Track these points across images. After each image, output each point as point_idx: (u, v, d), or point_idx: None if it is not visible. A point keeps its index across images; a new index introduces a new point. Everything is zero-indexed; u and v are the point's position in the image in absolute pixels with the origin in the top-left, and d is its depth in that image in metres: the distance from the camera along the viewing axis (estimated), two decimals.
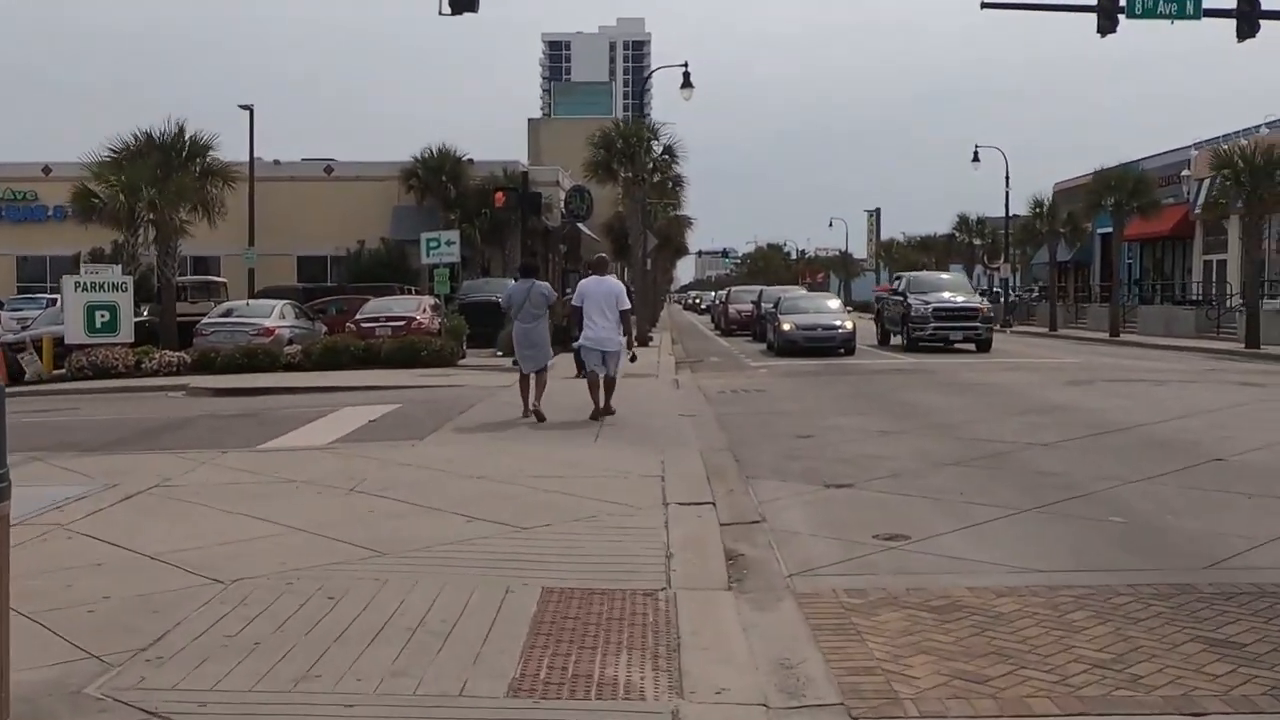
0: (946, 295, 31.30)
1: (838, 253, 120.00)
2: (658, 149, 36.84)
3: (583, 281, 16.21)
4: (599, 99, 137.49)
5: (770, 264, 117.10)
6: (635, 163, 35.84)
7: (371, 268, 46.53)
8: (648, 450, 12.21)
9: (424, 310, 29.61)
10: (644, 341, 32.01)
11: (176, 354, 26.02)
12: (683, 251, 77.42)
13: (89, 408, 19.41)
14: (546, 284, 16.58)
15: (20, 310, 39.71)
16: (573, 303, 16.04)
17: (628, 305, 15.95)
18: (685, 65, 39.17)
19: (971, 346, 31.66)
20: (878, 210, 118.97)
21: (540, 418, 14.86)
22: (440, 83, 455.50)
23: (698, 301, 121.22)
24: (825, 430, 14.56)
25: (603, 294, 15.52)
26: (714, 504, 9.28)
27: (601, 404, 15.29)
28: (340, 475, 10.74)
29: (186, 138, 29.80)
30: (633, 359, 16.76)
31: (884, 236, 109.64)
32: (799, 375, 24.52)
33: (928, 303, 30.74)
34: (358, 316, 29.42)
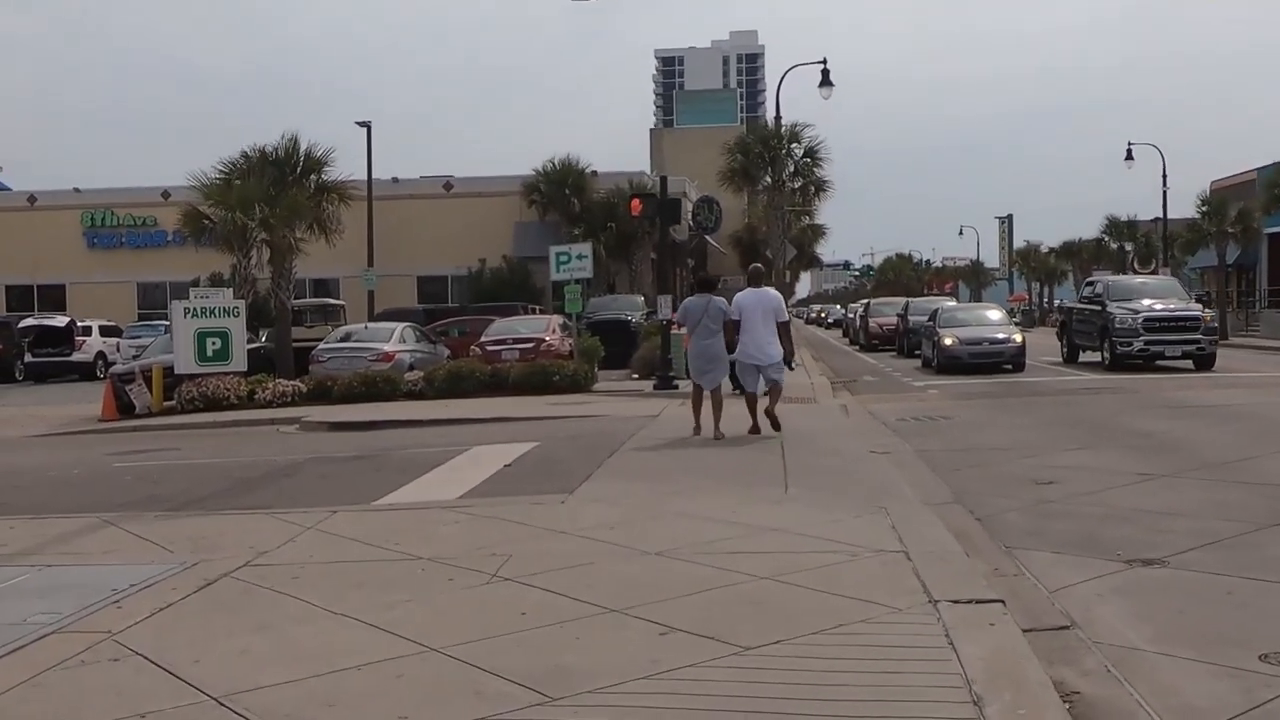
0: (1155, 302, 27.09)
1: (968, 262, 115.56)
2: (798, 152, 34.15)
3: (740, 294, 15.45)
4: (723, 106, 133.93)
5: (901, 274, 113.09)
6: (775, 167, 33.20)
7: (493, 287, 44.74)
8: (858, 505, 9.56)
9: (553, 330, 27.36)
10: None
11: (291, 383, 24.13)
12: (814, 263, 74.34)
13: (191, 447, 17.42)
14: (723, 299, 15.61)
15: (139, 337, 38.68)
16: (730, 316, 15.11)
17: (786, 317, 15.49)
18: (824, 62, 36.40)
19: (1189, 364, 26.87)
20: (1010, 217, 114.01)
21: (720, 437, 14.50)
22: (552, 100, 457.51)
23: (823, 315, 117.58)
24: (1064, 473, 11.70)
25: (761, 306, 14.92)
26: (1003, 601, 6.58)
27: (760, 419, 14.77)
28: (476, 548, 8.30)
29: (301, 153, 28.08)
30: (791, 368, 16.41)
31: (1014, 245, 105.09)
32: (979, 397, 21.57)
33: (1135, 312, 26.54)
34: (482, 339, 27.28)
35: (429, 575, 7.61)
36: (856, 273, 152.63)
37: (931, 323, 31.55)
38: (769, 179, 33.68)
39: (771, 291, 15.65)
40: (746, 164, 33.11)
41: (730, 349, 15.29)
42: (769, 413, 14.88)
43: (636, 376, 26.75)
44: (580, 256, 25.04)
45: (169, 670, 5.80)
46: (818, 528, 8.64)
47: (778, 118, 35.15)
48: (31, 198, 51.16)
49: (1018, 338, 29.04)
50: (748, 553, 7.88)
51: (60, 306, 49.29)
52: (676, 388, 22.87)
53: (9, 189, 57.15)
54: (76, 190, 51.00)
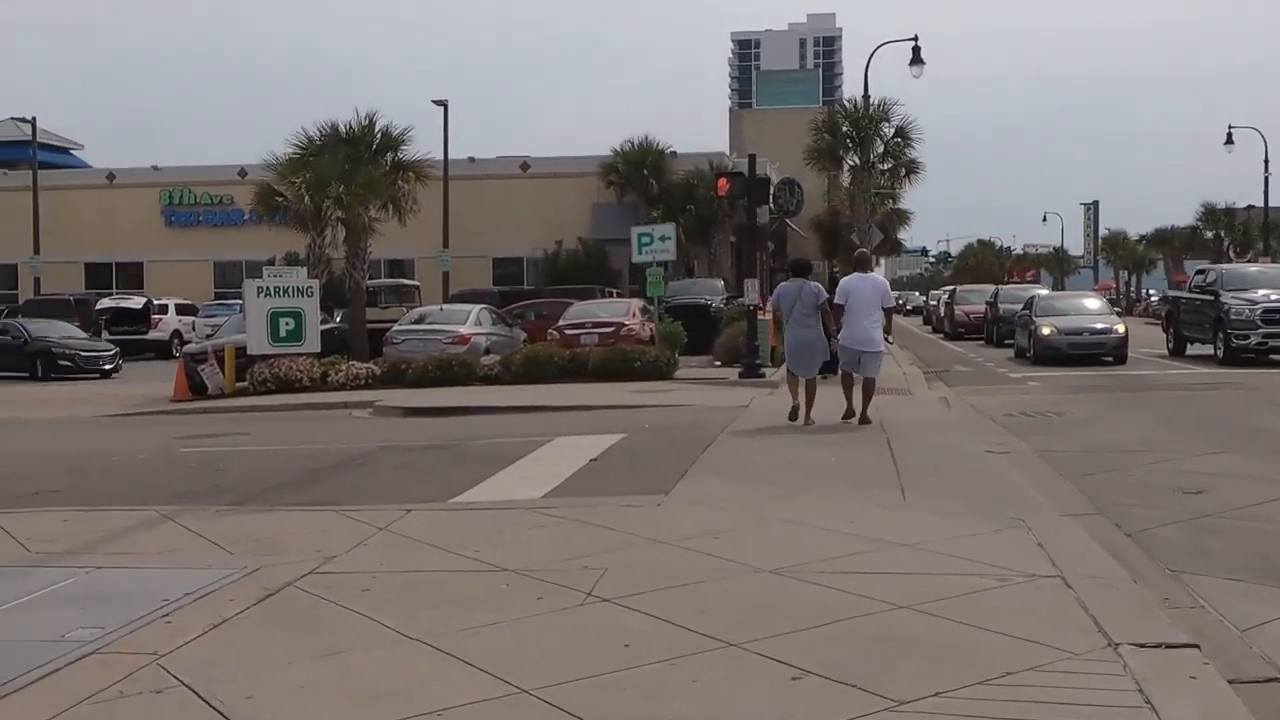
0: (1272, 292, 25.15)
1: (1050, 249, 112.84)
2: (888, 131, 32.85)
3: (845, 279, 15.38)
4: (803, 87, 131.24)
5: (983, 261, 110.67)
6: (864, 147, 31.94)
7: (570, 269, 43.97)
8: (990, 515, 8.51)
9: (633, 314, 26.45)
10: None
11: (365, 365, 23.49)
12: (897, 249, 72.70)
13: (261, 431, 16.76)
14: (817, 283, 15.46)
15: (214, 316, 38.42)
16: (835, 300, 14.91)
17: (892, 303, 15.34)
18: (915, 39, 35.02)
19: None
20: (1095, 204, 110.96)
21: (810, 423, 14.32)
22: (627, 81, 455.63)
23: (902, 302, 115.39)
24: (1211, 480, 10.52)
25: (867, 290, 14.65)
26: (1198, 646, 5.52)
27: (857, 408, 14.47)
28: (566, 559, 7.39)
29: (376, 130, 27.43)
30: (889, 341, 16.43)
31: (1100, 232, 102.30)
32: (1086, 391, 20.29)
33: (1253, 303, 24.83)
34: (561, 323, 26.44)
35: (515, 592, 6.71)
36: (933, 259, 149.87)
37: (1027, 311, 30.12)
38: (856, 159, 32.39)
39: (877, 277, 15.63)
40: (834, 144, 31.89)
41: (831, 334, 15.13)
42: (861, 413, 14.47)
43: (719, 364, 25.76)
44: (663, 238, 24.10)
45: (217, 709, 4.96)
46: (951, 543, 7.61)
47: (866, 95, 33.89)
48: (111, 175, 51.32)
49: (1120, 328, 27.56)
50: (876, 573, 6.88)
51: (138, 284, 49.42)
52: (763, 376, 21.87)
53: (89, 166, 57.46)
54: (155, 168, 51.08)
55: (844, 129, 32.12)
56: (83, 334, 33.51)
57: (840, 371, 15.19)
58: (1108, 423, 15.39)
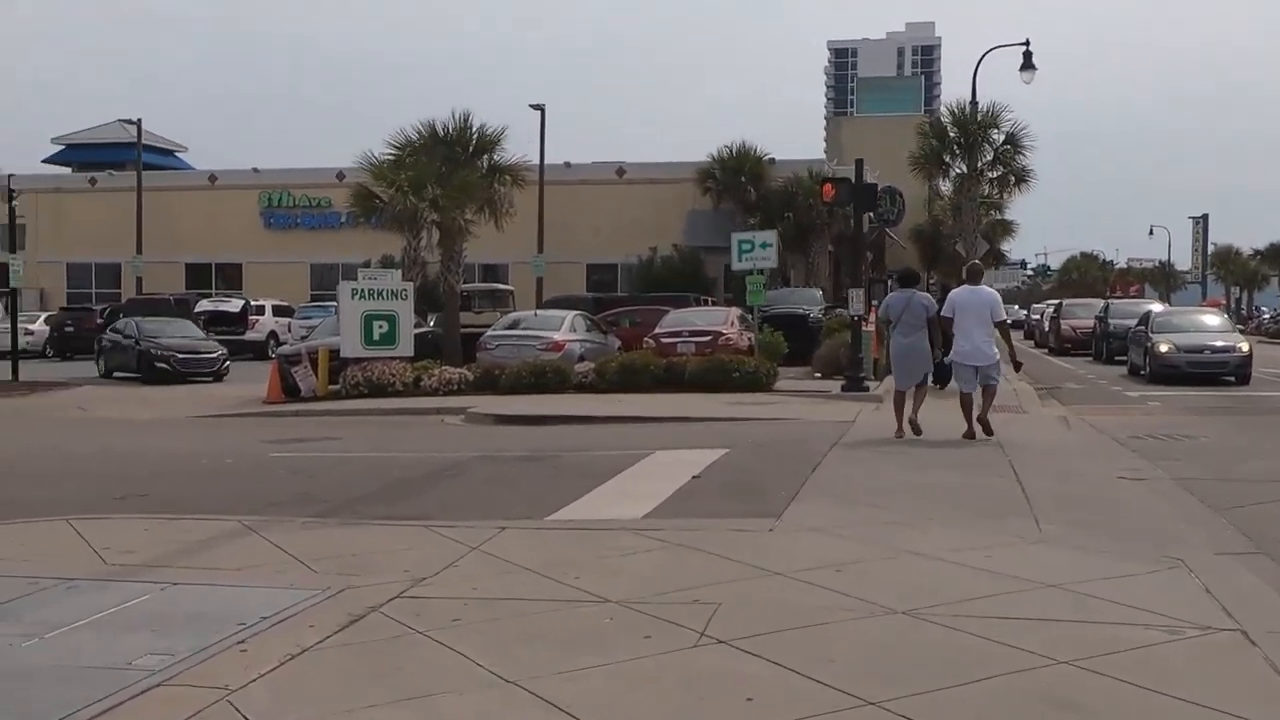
0: None
1: (1156, 263, 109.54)
2: (997, 138, 31.71)
3: (955, 291, 15.07)
4: (904, 95, 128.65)
5: (1086, 274, 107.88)
6: (971, 154, 30.86)
7: (664, 276, 43.40)
8: (1140, 552, 7.69)
9: (731, 323, 25.73)
10: None
11: (458, 371, 23.09)
12: (1000, 260, 70.95)
13: (352, 436, 16.38)
14: (927, 294, 15.49)
15: (309, 318, 38.53)
16: (943, 313, 14.60)
17: (1004, 316, 14.81)
18: (1026, 43, 33.86)
19: None
20: (1205, 217, 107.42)
21: (917, 431, 14.09)
22: (722, 89, 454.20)
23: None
24: None
25: (977, 304, 14.22)
26: None
27: (975, 424, 14.08)
28: (674, 590, 6.74)
29: (473, 131, 27.08)
30: (1017, 368, 17.06)
31: (1209, 246, 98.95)
32: (1214, 413, 19.11)
33: None
34: (657, 330, 25.81)
35: (619, 628, 6.07)
36: (1031, 272, 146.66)
37: (1143, 327, 28.79)
38: (963, 166, 31.33)
39: (989, 290, 15.02)
40: (940, 149, 30.88)
41: (936, 346, 14.83)
42: (982, 418, 14.18)
43: (819, 375, 24.96)
44: (764, 245, 23.37)
45: None
46: (1104, 585, 6.81)
47: (973, 101, 32.80)
48: (212, 177, 51.98)
49: (1244, 346, 26.19)
50: (1025, 619, 6.11)
51: (237, 285, 49.94)
52: (867, 390, 21.05)
53: (192, 169, 58.35)
54: (255, 170, 51.61)
55: (951, 134, 31.07)
56: (199, 334, 32.06)
57: (960, 393, 14.67)
58: (1244, 448, 14.33)
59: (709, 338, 24.58)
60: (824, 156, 57.68)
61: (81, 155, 58.40)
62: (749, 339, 25.35)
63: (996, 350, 14.49)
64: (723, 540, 8.07)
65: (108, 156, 54.39)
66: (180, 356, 29.14)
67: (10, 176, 32.64)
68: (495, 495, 10.63)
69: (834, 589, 6.72)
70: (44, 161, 59.88)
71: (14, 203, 31.41)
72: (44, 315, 43.86)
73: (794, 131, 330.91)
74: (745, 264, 23.54)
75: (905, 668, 5.35)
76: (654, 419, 17.50)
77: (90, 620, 6.40)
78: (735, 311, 27.29)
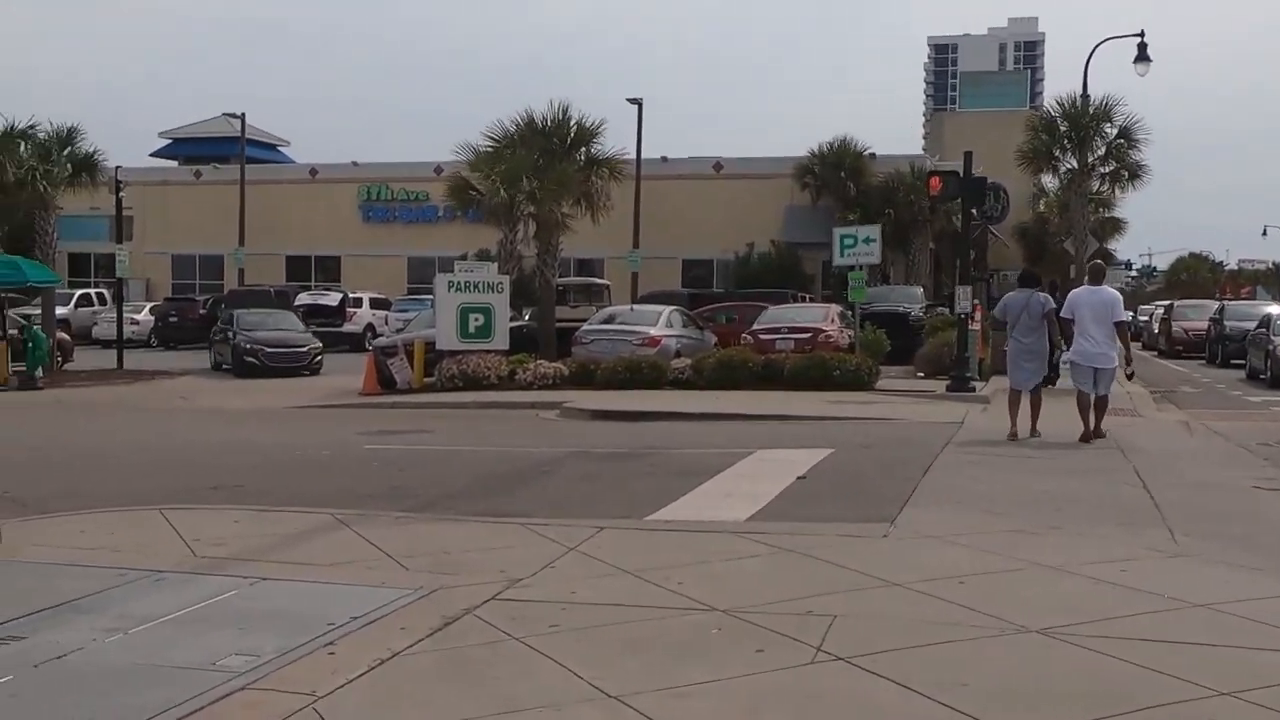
0: None
1: (1270, 265, 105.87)
2: (1110, 132, 30.60)
3: (1075, 291, 14.61)
4: (1008, 90, 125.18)
5: (1195, 275, 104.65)
6: (1082, 149, 29.80)
7: (761, 272, 42.82)
8: None
9: (831, 320, 25.12)
10: None
11: (553, 365, 22.85)
12: (1108, 260, 68.94)
13: (446, 429, 16.17)
14: (1045, 294, 14.83)
15: (406, 311, 38.67)
16: (1062, 314, 14.20)
17: (1124, 317, 14.39)
18: (1141, 35, 32.63)
19: None
20: None
21: (1036, 434, 13.84)
22: (818, 84, 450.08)
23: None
24: None
25: (1097, 304, 13.77)
26: None
27: (1092, 426, 13.70)
28: (786, 600, 6.30)
29: (571, 124, 26.83)
30: (1130, 376, 16.71)
31: None
32: None
33: None
34: (755, 327, 25.30)
35: (729, 641, 5.65)
36: (1136, 273, 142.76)
37: (1263, 330, 27.51)
38: (1074, 162, 30.27)
39: (1110, 290, 14.57)
40: (1050, 143, 29.87)
41: (1055, 347, 14.73)
42: (1096, 430, 13.76)
43: (922, 375, 24.26)
44: (867, 240, 22.75)
45: None
46: (1258, 607, 6.21)
47: (1084, 94, 31.68)
48: (313, 170, 52.55)
49: None
50: (1172, 642, 5.56)
51: (335, 278, 50.44)
52: (973, 390, 20.34)
53: (293, 161, 59.13)
54: (355, 164, 52.05)
55: (1061, 128, 30.05)
56: (299, 327, 30.83)
57: (1077, 394, 14.12)
58: None
59: (808, 335, 24.02)
60: (922, 152, 56.57)
61: (187, 149, 59.55)
62: (849, 336, 24.75)
63: (1115, 354, 13.96)
64: (834, 546, 7.60)
65: (212, 150, 55.30)
66: (268, 350, 28.33)
67: (118, 168, 33.10)
68: (592, 493, 10.28)
69: (958, 603, 6.22)
70: (151, 155, 61.21)
71: (121, 194, 31.85)
72: (149, 306, 44.69)
73: (891, 129, 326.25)
74: (847, 260, 22.94)
75: (1045, 695, 4.86)
76: (753, 416, 17.05)
77: (176, 616, 6.16)
78: (835, 308, 26.68)
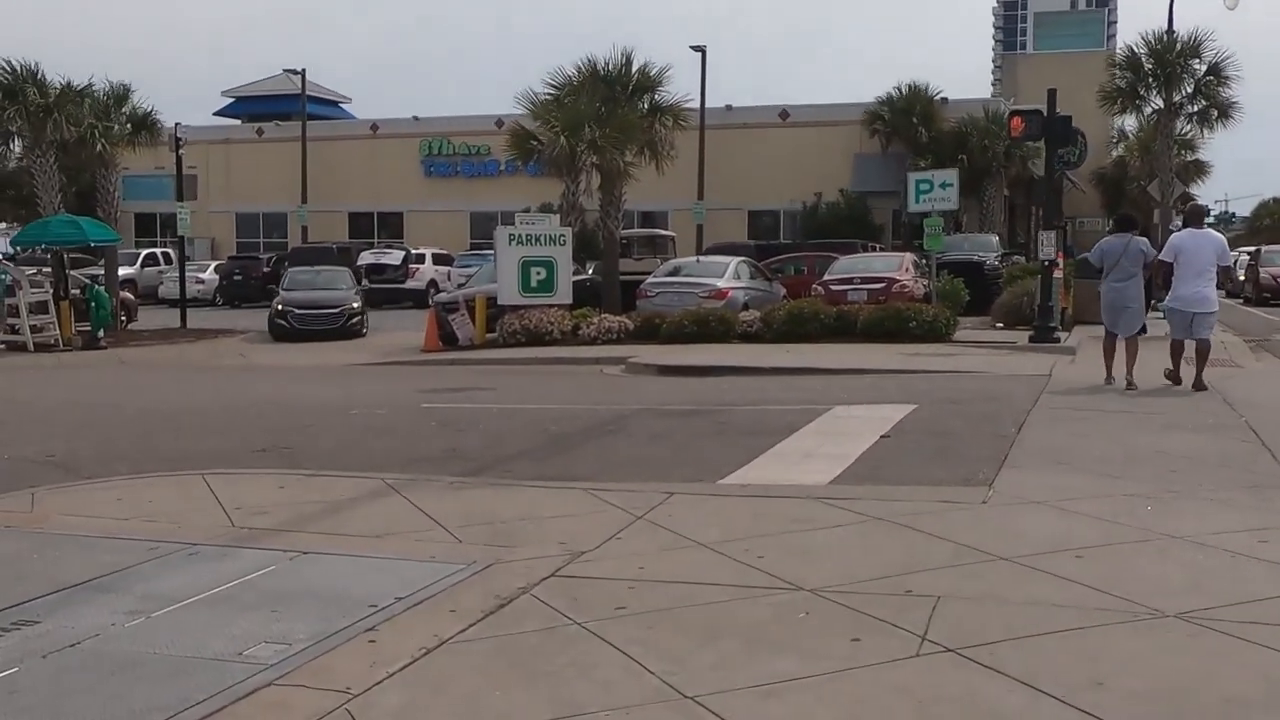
0: None
1: None
2: (1199, 69, 29.11)
3: (1176, 235, 13.88)
4: (1085, 29, 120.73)
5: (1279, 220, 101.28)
6: (1169, 87, 28.37)
7: (829, 222, 41.73)
8: None
9: (905, 269, 24.15)
10: None
11: (617, 319, 22.21)
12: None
13: (507, 386, 15.59)
14: (1145, 239, 14.13)
15: (468, 266, 38.18)
16: (1161, 257, 13.55)
17: (1230, 260, 14.37)
18: None
19: None
20: None
21: (1132, 386, 12.96)
22: (883, 28, 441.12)
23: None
24: None
25: (1200, 248, 13.05)
26: None
27: (1182, 374, 13.04)
28: (880, 577, 5.60)
29: (634, 70, 25.98)
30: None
31: None
32: None
33: None
34: (826, 277, 24.42)
35: (820, 627, 4.97)
36: (1212, 218, 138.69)
37: None
38: (1159, 101, 28.87)
39: (1214, 233, 13.91)
40: (1134, 82, 28.48)
41: (1154, 293, 14.39)
42: (1198, 378, 12.98)
43: (1001, 326, 23.26)
44: (944, 185, 21.75)
45: None
46: None
47: (1170, 29, 30.19)
48: (374, 126, 52.10)
49: None
50: None
51: (398, 234, 50.09)
52: (1058, 341, 19.37)
53: (354, 118, 58.75)
54: (415, 119, 51.51)
55: (1147, 66, 28.62)
56: (346, 286, 28.26)
57: (1171, 341, 13.51)
58: None
59: (882, 285, 23.10)
60: (995, 95, 54.88)
61: (250, 108, 59.32)
62: (924, 286, 23.80)
63: (1216, 299, 13.39)
64: (929, 514, 6.87)
65: (274, 108, 55.02)
66: (297, 312, 26.16)
67: (177, 125, 32.81)
68: (660, 454, 9.61)
69: (1079, 581, 5.47)
70: (214, 114, 61.12)
71: (181, 151, 31.55)
72: (214, 264, 44.67)
73: (957, 73, 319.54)
74: (923, 206, 21.97)
75: (1198, 697, 4.12)
76: (827, 370, 16.27)
77: (206, 595, 5.60)
78: (909, 257, 25.69)
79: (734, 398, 13.33)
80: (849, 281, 23.51)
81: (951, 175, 22.44)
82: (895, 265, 24.41)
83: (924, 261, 25.95)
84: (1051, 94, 19.86)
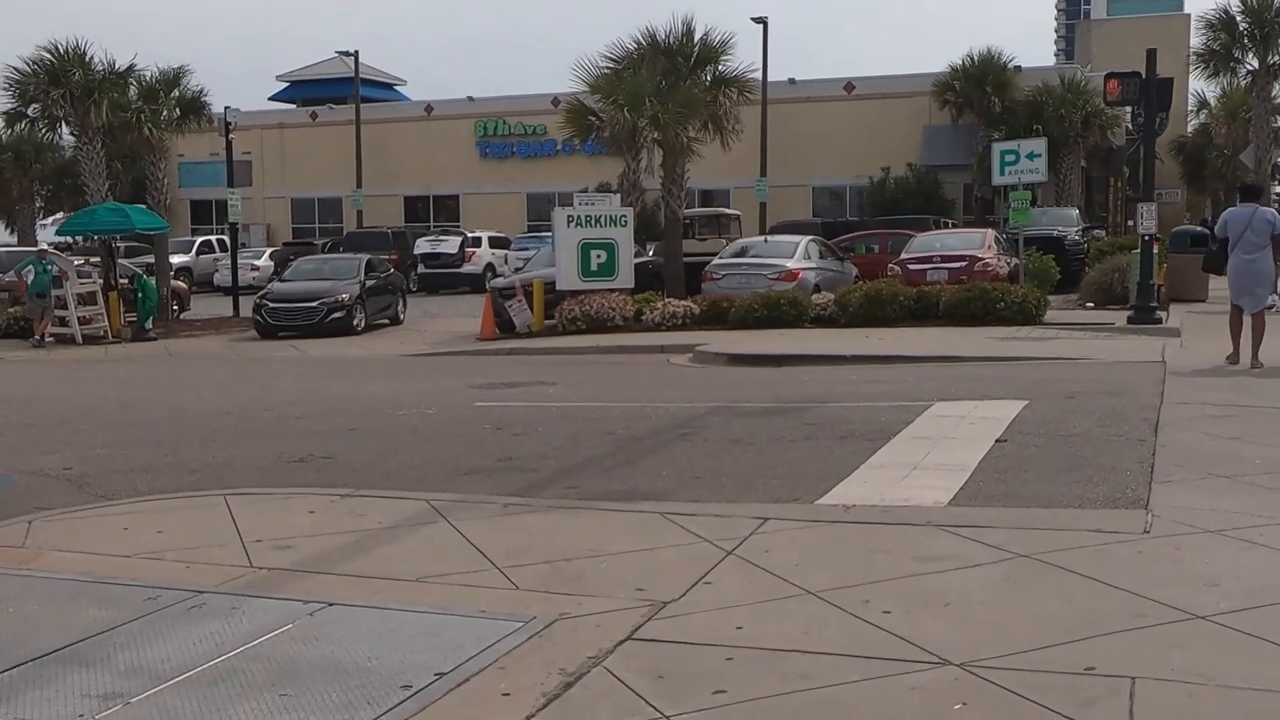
0: None
1: None
2: None
3: (1229, 210, 13.45)
4: None
5: None
6: (1266, 47, 26.58)
7: (898, 198, 40.20)
8: None
9: (988, 246, 22.71)
10: None
11: (682, 303, 21.05)
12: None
13: (568, 379, 14.49)
14: (1272, 210, 13.36)
15: (525, 249, 37.17)
16: (1216, 231, 13.49)
17: None
18: None
19: None
20: None
21: (1258, 365, 12.30)
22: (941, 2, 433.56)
23: None
24: None
25: (1250, 221, 12.61)
26: None
27: (1251, 351, 12.45)
28: (1042, 643, 4.41)
29: (696, 40, 24.69)
30: None
31: None
32: None
33: None
34: (903, 256, 23.05)
35: None
36: None
37: None
38: (1254, 63, 27.08)
39: (1266, 208, 13.22)
40: (1229, 43, 26.74)
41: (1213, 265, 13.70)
42: (1253, 354, 12.54)
43: (1091, 305, 21.82)
44: (1031, 155, 20.35)
45: None
46: None
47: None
48: (429, 107, 51.16)
49: None
50: None
51: (454, 217, 49.19)
52: (1160, 321, 17.94)
53: (408, 99, 57.91)
54: (470, 99, 50.50)
55: (1242, 26, 26.86)
56: (350, 276, 24.10)
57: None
58: None
59: (964, 263, 21.69)
60: (1070, 63, 52.81)
61: (305, 92, 58.64)
62: (1008, 264, 22.38)
63: (1272, 270, 13.00)
64: (1082, 548, 5.65)
65: (329, 92, 54.24)
66: (270, 305, 23.33)
67: (226, 109, 32.05)
68: (742, 464, 8.43)
69: None
70: (270, 99, 60.53)
71: (231, 135, 30.77)
72: (269, 251, 44.05)
73: (1017, 42, 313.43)
74: (1008, 178, 20.59)
75: None
76: (913, 358, 15.01)
77: (204, 669, 4.53)
78: (991, 233, 24.24)
79: (817, 392, 12.11)
80: (928, 260, 22.13)
81: (1039, 145, 21.01)
82: (977, 242, 22.97)
83: (1003, 237, 24.52)
84: (1151, 54, 18.37)
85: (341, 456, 9.35)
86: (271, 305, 23.34)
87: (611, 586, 5.40)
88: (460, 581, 5.62)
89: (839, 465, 8.06)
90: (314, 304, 23.06)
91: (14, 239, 46.43)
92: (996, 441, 8.62)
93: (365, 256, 26.31)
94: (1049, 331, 17.86)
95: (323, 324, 22.79)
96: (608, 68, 24.00)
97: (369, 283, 24.30)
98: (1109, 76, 18.42)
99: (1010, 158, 20.63)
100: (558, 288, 21.20)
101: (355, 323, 23.38)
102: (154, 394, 14.59)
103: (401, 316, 25.64)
